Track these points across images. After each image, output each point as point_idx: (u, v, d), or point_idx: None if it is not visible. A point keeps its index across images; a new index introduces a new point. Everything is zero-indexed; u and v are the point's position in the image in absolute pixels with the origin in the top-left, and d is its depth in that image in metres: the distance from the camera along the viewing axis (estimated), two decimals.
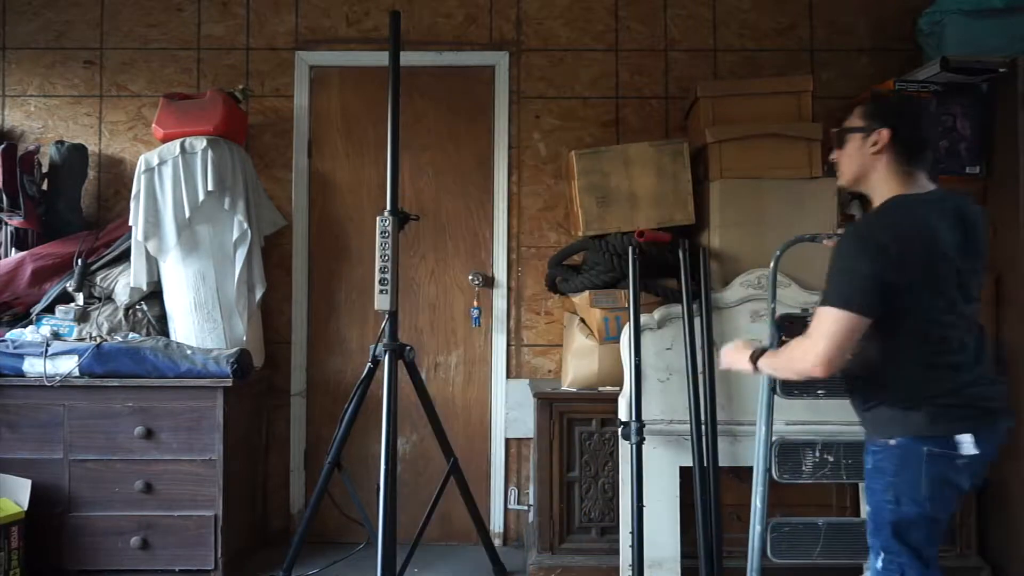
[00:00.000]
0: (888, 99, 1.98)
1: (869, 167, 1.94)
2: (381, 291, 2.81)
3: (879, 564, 1.92)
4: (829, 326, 1.81)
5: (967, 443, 1.84)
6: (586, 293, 3.02)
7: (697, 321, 2.84)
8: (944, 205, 1.88)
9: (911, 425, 1.86)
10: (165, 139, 3.23)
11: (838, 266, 1.85)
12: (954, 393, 1.85)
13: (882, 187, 1.93)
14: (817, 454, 2.68)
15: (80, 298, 3.25)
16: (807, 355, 1.85)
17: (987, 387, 1.89)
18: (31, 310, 3.26)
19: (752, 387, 2.87)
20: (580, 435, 3.01)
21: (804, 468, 2.67)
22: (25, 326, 3.21)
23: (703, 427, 2.77)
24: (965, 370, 1.87)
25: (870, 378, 1.93)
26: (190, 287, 3.17)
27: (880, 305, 1.80)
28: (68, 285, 3.25)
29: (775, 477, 2.63)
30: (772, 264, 2.67)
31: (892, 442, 1.88)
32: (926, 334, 1.85)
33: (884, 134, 1.90)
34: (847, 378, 1.99)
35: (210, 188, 3.11)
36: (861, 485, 2.81)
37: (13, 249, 3.39)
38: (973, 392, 1.87)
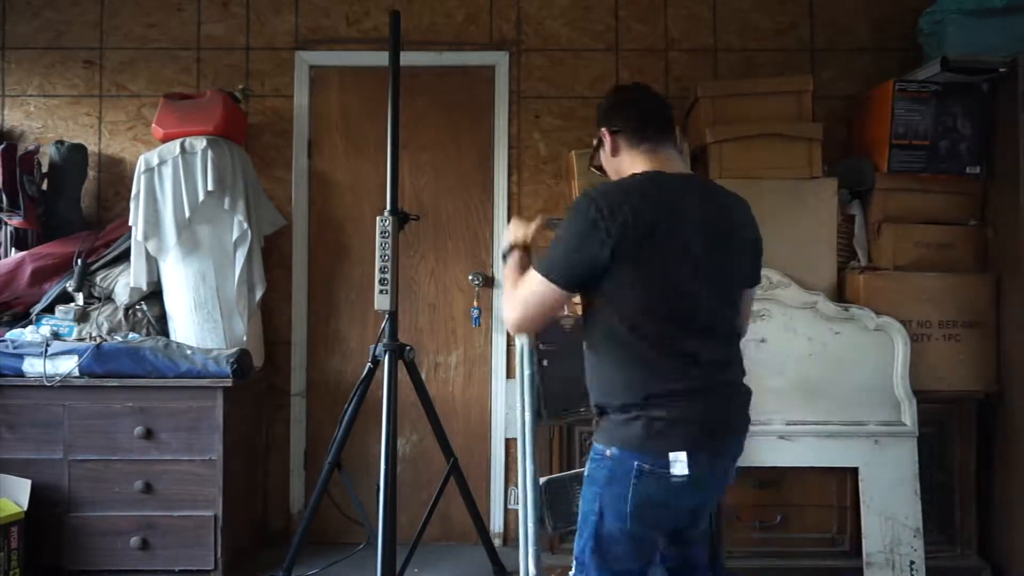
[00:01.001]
0: (599, 105, 1.99)
1: (619, 165, 1.92)
2: (381, 291, 2.80)
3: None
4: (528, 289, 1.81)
5: (680, 463, 1.73)
6: None
7: None
8: (693, 185, 1.84)
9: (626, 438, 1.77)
10: (165, 139, 3.22)
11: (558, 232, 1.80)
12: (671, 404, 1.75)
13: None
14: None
15: (80, 298, 3.25)
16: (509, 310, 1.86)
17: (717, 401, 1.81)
18: (31, 310, 3.26)
19: (753, 386, 2.87)
20: (580, 435, 3.01)
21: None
22: (25, 326, 3.20)
23: None
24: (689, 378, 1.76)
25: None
26: (190, 287, 3.17)
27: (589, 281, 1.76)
28: (68, 285, 3.25)
29: (548, 528, 2.12)
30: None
31: (608, 452, 1.79)
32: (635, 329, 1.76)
33: (605, 133, 1.92)
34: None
35: (210, 188, 3.10)
36: (862, 483, 2.82)
37: (13, 249, 3.39)
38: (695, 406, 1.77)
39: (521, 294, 1.84)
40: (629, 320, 1.76)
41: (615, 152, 1.92)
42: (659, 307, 1.76)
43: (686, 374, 1.77)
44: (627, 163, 1.89)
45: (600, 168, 2.02)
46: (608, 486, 1.78)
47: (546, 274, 1.78)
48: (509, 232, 2.06)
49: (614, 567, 1.81)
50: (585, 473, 1.86)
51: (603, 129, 1.93)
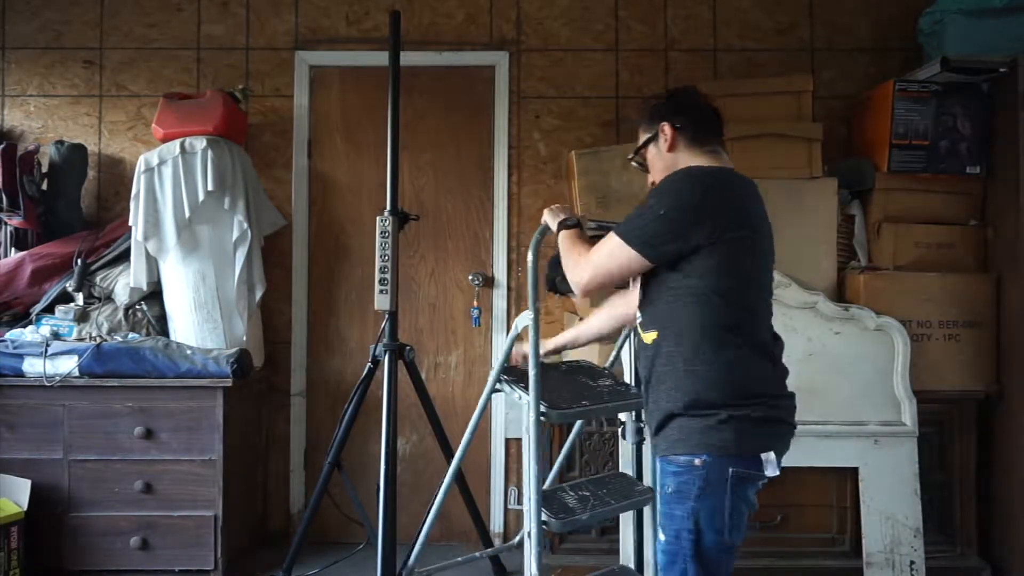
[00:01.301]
0: (657, 101, 2.01)
1: (673, 162, 1.92)
2: (381, 291, 2.80)
3: None
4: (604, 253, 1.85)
5: (772, 464, 1.75)
6: None
7: None
8: (754, 187, 1.88)
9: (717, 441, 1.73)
10: (165, 139, 3.22)
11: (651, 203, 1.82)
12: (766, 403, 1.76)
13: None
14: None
15: (80, 298, 3.25)
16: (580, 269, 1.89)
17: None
18: (31, 310, 3.26)
19: None
20: (582, 435, 3.01)
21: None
22: (25, 326, 3.20)
23: None
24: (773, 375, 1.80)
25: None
26: (190, 287, 3.17)
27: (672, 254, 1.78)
28: (68, 285, 3.25)
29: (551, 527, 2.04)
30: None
31: (697, 461, 1.74)
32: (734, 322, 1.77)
33: (666, 128, 1.92)
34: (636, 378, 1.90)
35: (210, 188, 3.10)
36: (862, 483, 2.82)
37: (13, 249, 3.39)
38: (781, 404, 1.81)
39: (595, 258, 1.85)
40: (726, 315, 1.75)
41: (672, 148, 1.92)
42: (754, 303, 1.80)
43: (772, 373, 1.82)
44: (683, 160, 1.90)
45: (642, 163, 2.02)
46: (702, 499, 1.73)
47: (633, 242, 1.78)
48: (551, 215, 2.09)
49: None
50: (668, 490, 1.79)
51: (664, 124, 1.92)
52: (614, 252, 1.82)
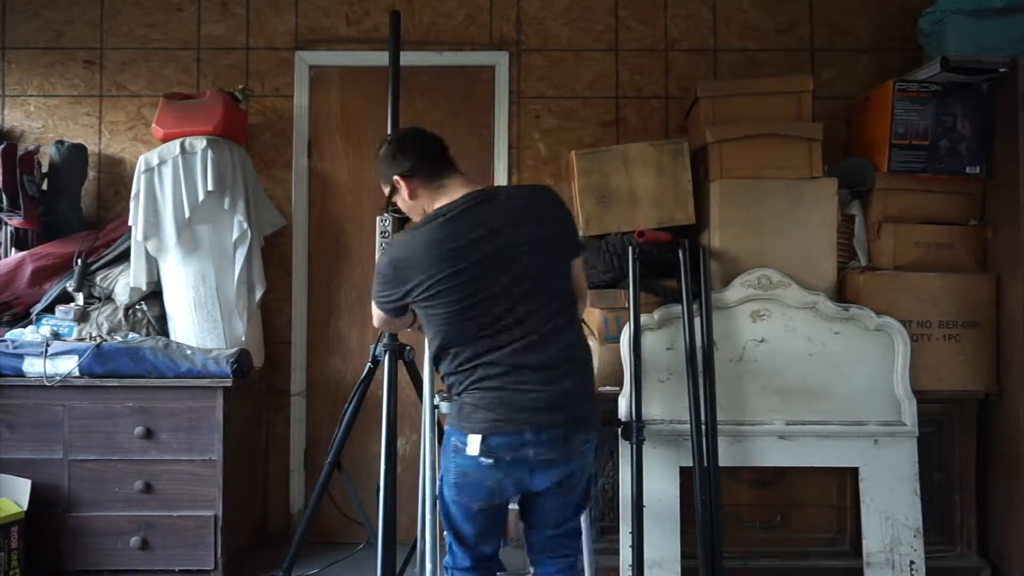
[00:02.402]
0: (378, 156, 2.19)
1: (419, 205, 2.10)
2: None
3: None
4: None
5: (474, 444, 1.95)
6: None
7: (697, 321, 2.84)
8: (465, 201, 2.01)
9: (451, 414, 2.05)
10: (165, 139, 3.22)
11: None
12: (472, 393, 1.98)
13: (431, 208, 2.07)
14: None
15: (80, 298, 3.25)
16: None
17: (514, 395, 1.95)
18: (31, 310, 3.26)
19: (753, 387, 2.87)
20: None
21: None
22: (25, 326, 3.21)
23: (703, 427, 2.77)
24: (494, 374, 1.96)
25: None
26: (190, 287, 3.17)
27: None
28: (68, 285, 3.25)
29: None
30: None
31: (446, 426, 2.07)
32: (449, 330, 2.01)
33: (399, 180, 2.10)
34: None
35: (210, 188, 3.10)
36: (862, 483, 2.82)
37: (13, 249, 3.39)
38: (493, 396, 1.96)
39: (373, 313, 2.23)
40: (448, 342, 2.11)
41: (413, 194, 2.10)
42: (478, 327, 2.06)
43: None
44: (426, 201, 2.09)
45: (399, 213, 2.28)
46: None
47: (377, 304, 2.16)
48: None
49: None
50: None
51: (395, 177, 2.09)
52: (375, 311, 2.15)
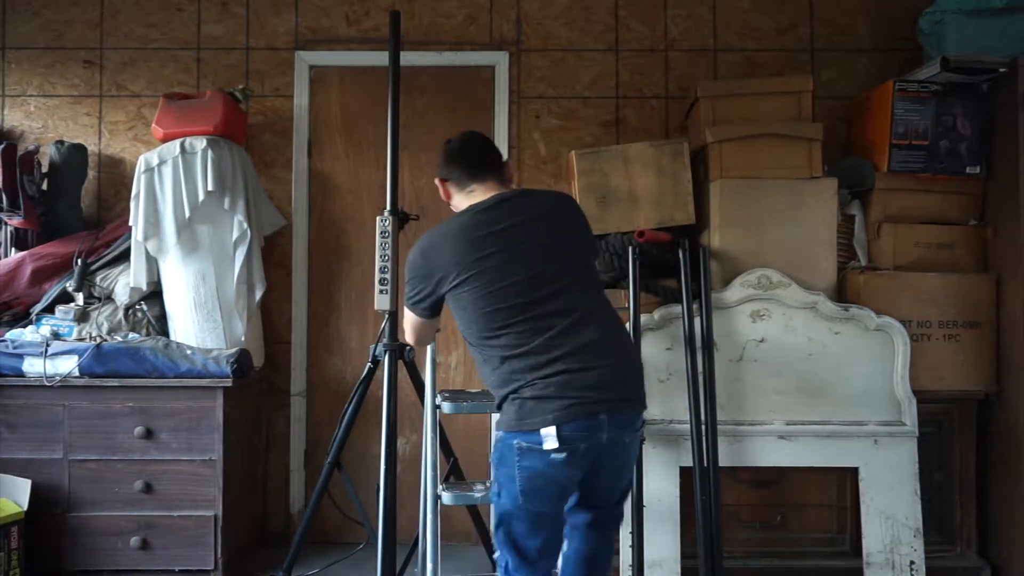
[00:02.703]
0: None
1: (457, 206, 2.23)
2: (381, 291, 2.80)
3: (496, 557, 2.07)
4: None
5: (551, 437, 1.88)
6: None
7: (697, 321, 2.84)
8: (496, 199, 2.11)
9: (503, 419, 1.99)
10: (165, 139, 3.22)
11: None
12: (532, 385, 1.93)
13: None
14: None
15: (80, 298, 3.25)
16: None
17: (581, 375, 1.91)
18: (31, 310, 3.26)
19: (753, 387, 2.87)
20: None
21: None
22: (25, 326, 3.21)
23: (703, 427, 2.77)
24: (548, 360, 1.92)
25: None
26: (190, 287, 3.17)
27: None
28: (68, 285, 3.25)
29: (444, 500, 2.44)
30: None
31: (497, 435, 2.00)
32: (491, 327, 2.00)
33: (438, 184, 2.28)
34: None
35: (210, 188, 3.10)
36: (862, 482, 2.82)
37: (13, 249, 3.39)
38: (557, 381, 1.91)
39: (405, 325, 2.36)
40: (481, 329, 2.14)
41: (449, 196, 2.28)
42: (505, 316, 2.10)
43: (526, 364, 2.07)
44: (459, 203, 2.22)
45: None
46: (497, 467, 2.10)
47: (408, 306, 2.26)
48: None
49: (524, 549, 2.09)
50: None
51: (437, 180, 2.28)
52: (408, 320, 2.25)
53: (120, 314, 3.24)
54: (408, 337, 2.31)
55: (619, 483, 2.15)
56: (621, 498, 2.20)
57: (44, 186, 3.46)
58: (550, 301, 1.97)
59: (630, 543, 2.74)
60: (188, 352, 3.05)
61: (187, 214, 3.12)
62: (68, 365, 3.00)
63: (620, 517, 2.24)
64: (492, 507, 2.09)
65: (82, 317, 3.19)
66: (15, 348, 3.03)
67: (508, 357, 1.97)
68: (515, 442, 1.93)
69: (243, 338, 3.21)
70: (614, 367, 1.97)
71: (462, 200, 2.19)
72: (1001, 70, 2.93)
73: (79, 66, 3.66)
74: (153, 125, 3.28)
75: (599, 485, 2.07)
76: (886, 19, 3.58)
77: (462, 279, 2.00)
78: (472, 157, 2.21)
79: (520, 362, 1.95)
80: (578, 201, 3.04)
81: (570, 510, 2.12)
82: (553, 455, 1.88)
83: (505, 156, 2.40)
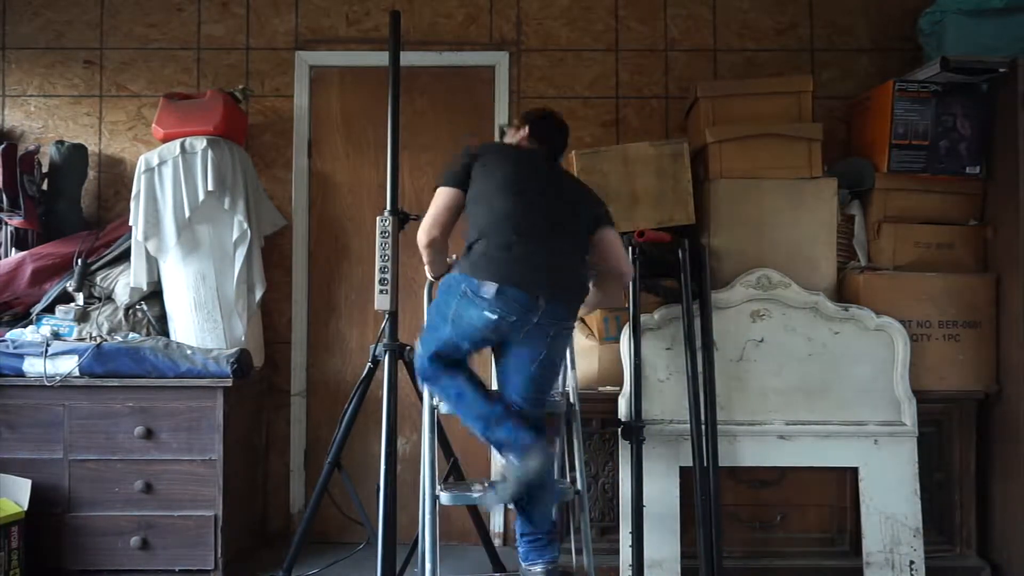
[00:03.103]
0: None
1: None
2: (381, 291, 2.80)
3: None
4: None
5: (490, 289, 2.25)
6: None
7: (697, 321, 2.84)
8: (540, 152, 2.55)
9: (460, 263, 2.40)
10: (165, 139, 3.23)
11: None
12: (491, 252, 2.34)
13: None
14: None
15: (80, 298, 3.25)
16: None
17: (535, 263, 2.30)
18: (31, 310, 3.26)
19: (752, 387, 2.87)
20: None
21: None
22: (25, 326, 3.21)
23: (703, 427, 2.77)
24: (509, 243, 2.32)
25: None
26: (190, 287, 3.17)
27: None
28: (68, 285, 3.25)
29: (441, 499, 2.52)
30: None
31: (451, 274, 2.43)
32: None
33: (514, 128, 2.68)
34: None
35: (210, 188, 3.11)
36: (862, 482, 2.82)
37: (13, 249, 3.39)
38: (512, 257, 2.31)
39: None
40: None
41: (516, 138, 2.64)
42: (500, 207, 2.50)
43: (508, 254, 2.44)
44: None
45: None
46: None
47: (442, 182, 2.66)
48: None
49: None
50: None
51: (511, 127, 2.70)
52: (428, 216, 2.53)
53: (120, 314, 3.24)
54: (423, 229, 2.49)
55: (532, 366, 2.38)
56: (537, 390, 2.44)
57: (44, 186, 3.46)
58: (537, 221, 2.37)
59: (630, 543, 2.74)
60: (188, 352, 3.05)
61: (187, 214, 3.13)
62: (68, 365, 3.00)
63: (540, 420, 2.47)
64: (419, 345, 2.45)
65: (82, 317, 3.19)
66: (15, 348, 3.03)
67: (485, 236, 2.36)
68: (463, 286, 2.30)
69: (243, 338, 3.21)
70: (563, 275, 2.37)
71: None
72: (1001, 70, 2.93)
73: (79, 66, 3.66)
74: (153, 125, 3.28)
75: (514, 368, 2.40)
76: (886, 19, 3.58)
77: (484, 169, 2.43)
78: (550, 130, 2.61)
79: (489, 241, 2.34)
80: None
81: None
82: (486, 311, 2.25)
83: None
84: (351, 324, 3.62)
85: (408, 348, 2.88)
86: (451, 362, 2.41)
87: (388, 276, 2.80)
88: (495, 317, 2.26)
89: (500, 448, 2.39)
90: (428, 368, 2.43)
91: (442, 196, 2.49)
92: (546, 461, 2.31)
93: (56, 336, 3.13)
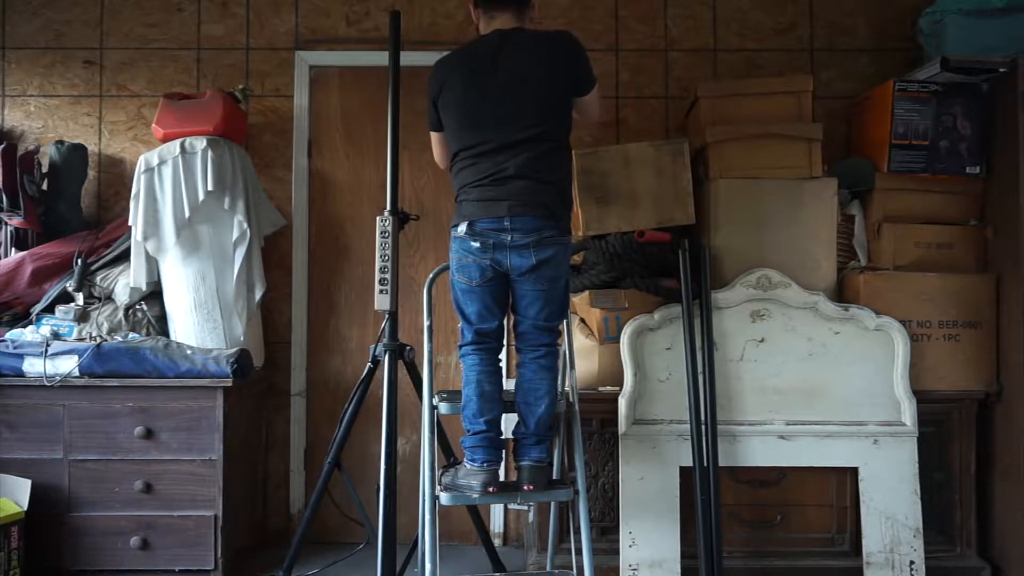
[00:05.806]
0: None
1: (478, 28, 2.62)
2: (381, 291, 2.80)
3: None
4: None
5: (464, 227, 2.41)
6: (586, 293, 3.02)
7: (697, 321, 2.84)
8: (491, 39, 2.50)
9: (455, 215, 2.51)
10: (165, 139, 3.23)
11: None
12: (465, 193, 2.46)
13: None
14: None
15: (80, 298, 3.25)
16: None
17: (494, 189, 2.40)
18: (31, 310, 3.26)
19: (753, 387, 2.87)
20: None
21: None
22: (25, 326, 3.21)
23: (703, 427, 2.77)
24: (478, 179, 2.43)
25: None
26: (190, 287, 3.17)
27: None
28: (68, 285, 3.25)
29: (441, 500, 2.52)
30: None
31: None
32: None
33: (471, 7, 2.62)
34: None
35: (210, 188, 3.11)
36: (862, 482, 2.82)
37: (13, 249, 3.39)
38: (477, 192, 2.42)
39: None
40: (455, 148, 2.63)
41: (477, 20, 2.61)
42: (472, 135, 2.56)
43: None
44: (482, 26, 2.60)
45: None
46: None
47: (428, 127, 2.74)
48: None
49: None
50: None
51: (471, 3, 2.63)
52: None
53: (120, 314, 3.24)
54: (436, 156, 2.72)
55: (534, 290, 2.45)
56: (536, 320, 2.49)
57: (44, 186, 3.46)
58: (489, 139, 2.42)
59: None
60: (188, 352, 3.05)
61: (187, 214, 3.13)
62: (68, 365, 3.00)
63: (545, 346, 2.51)
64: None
65: (82, 317, 3.20)
66: (15, 348, 3.03)
67: (458, 189, 2.49)
68: (454, 232, 2.47)
69: (243, 338, 3.21)
70: (524, 185, 2.40)
71: (483, 26, 2.55)
72: (1001, 70, 2.93)
73: (79, 66, 3.66)
74: (153, 125, 3.28)
75: (519, 295, 2.48)
76: (886, 19, 3.58)
77: (446, 100, 2.49)
78: None
79: (461, 190, 2.48)
80: (578, 201, 3.06)
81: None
82: (471, 241, 2.40)
83: None
84: (351, 324, 3.62)
85: (408, 348, 2.88)
86: (483, 344, 2.52)
87: (388, 276, 2.80)
88: (477, 245, 2.40)
89: (467, 451, 2.49)
90: (463, 345, 2.55)
91: (432, 139, 2.68)
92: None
93: (56, 336, 3.13)
